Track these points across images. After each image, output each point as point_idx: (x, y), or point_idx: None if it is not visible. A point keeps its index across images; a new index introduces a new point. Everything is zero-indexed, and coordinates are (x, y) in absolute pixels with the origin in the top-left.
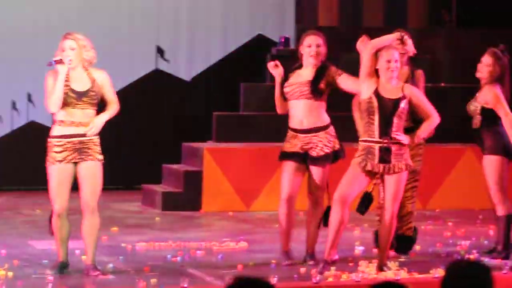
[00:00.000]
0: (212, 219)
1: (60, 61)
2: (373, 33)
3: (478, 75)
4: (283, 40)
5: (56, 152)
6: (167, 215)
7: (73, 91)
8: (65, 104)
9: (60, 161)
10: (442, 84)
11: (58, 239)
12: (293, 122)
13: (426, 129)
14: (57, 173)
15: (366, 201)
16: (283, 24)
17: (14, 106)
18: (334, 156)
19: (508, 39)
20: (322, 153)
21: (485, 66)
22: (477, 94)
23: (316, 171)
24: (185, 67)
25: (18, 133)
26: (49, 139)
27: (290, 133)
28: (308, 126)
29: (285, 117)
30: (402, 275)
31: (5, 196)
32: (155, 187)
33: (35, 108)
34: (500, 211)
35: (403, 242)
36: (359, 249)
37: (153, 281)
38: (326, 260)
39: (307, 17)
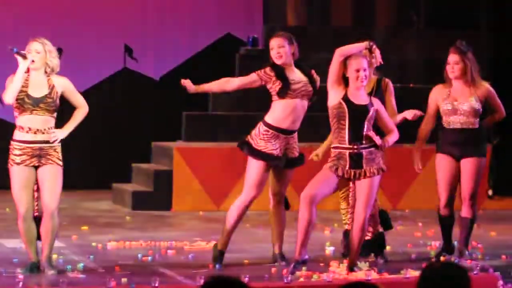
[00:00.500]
0: (183, 218)
1: (23, 55)
2: (341, 33)
3: (451, 75)
4: (251, 40)
5: (15, 155)
6: (137, 214)
7: (29, 96)
8: (23, 110)
9: (19, 163)
10: (411, 85)
11: (25, 241)
12: (285, 122)
13: (391, 141)
14: (17, 174)
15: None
16: (252, 23)
17: None
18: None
19: (475, 39)
20: (298, 154)
21: (454, 65)
22: (448, 92)
23: (290, 172)
24: (154, 66)
25: None
26: (11, 142)
27: (271, 132)
28: (296, 127)
29: (255, 117)
30: (373, 275)
31: None
32: (125, 186)
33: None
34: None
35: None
36: (329, 250)
37: (124, 280)
38: (297, 260)
39: (276, 17)
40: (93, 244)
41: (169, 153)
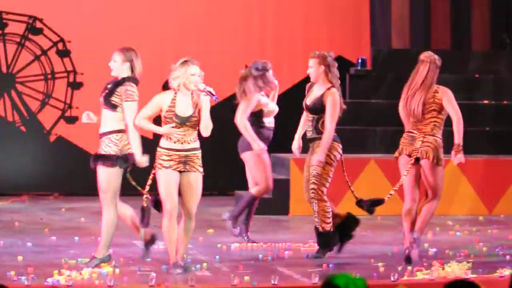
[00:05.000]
0: (299, 222)
1: (212, 95)
2: (441, 55)
3: None
4: (360, 61)
5: (163, 160)
6: (258, 219)
7: (177, 116)
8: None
9: (167, 167)
10: (505, 102)
11: (168, 240)
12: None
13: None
14: (164, 177)
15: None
16: (361, 46)
17: None
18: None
19: None
20: None
21: None
22: None
23: None
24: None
25: None
26: (158, 148)
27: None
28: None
29: (365, 131)
30: (470, 274)
31: None
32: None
33: None
34: None
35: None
36: (432, 250)
37: (246, 278)
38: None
39: (382, 40)
40: (218, 245)
41: (286, 164)
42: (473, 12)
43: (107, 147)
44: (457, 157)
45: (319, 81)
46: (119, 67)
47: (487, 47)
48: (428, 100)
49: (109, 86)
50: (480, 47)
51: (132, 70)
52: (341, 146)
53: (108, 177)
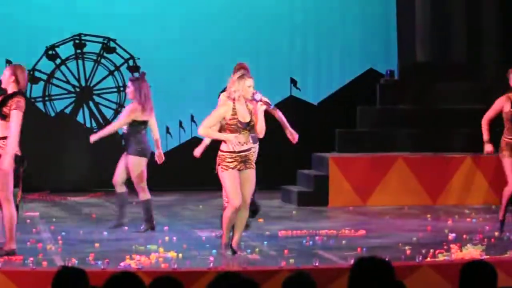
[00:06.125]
0: (337, 212)
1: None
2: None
3: None
4: (388, 72)
5: (228, 162)
6: (301, 209)
7: (241, 122)
8: (232, 131)
9: (232, 168)
10: None
11: (226, 228)
12: None
13: None
14: (231, 177)
15: None
16: (389, 59)
17: (181, 125)
18: None
19: None
20: None
21: None
22: None
23: None
24: (313, 94)
25: (183, 146)
26: (221, 153)
27: None
28: None
29: (391, 132)
30: (484, 256)
31: (175, 195)
32: (292, 187)
33: (197, 127)
34: None
35: None
36: (451, 235)
37: (291, 261)
38: None
39: (407, 53)
40: (267, 233)
41: (325, 162)
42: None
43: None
44: None
45: None
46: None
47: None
48: None
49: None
50: (493, 58)
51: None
52: None
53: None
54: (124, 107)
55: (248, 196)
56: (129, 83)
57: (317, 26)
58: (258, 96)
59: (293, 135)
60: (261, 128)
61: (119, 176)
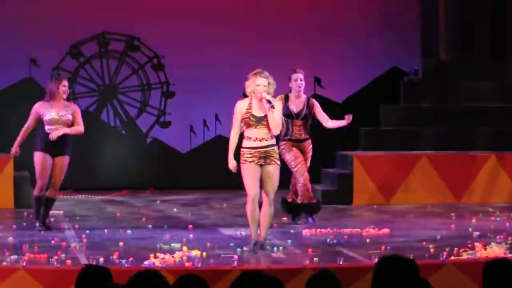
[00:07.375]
0: (361, 210)
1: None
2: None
3: None
4: (413, 71)
5: (247, 156)
6: (325, 208)
7: (253, 116)
8: (246, 124)
9: (250, 162)
10: None
11: (251, 221)
12: None
13: None
14: (248, 169)
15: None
16: (412, 57)
17: (205, 123)
18: None
19: None
20: None
21: None
22: None
23: None
24: (337, 93)
25: (208, 144)
26: (241, 149)
27: None
28: None
29: (416, 131)
30: (508, 254)
31: (199, 193)
32: (316, 186)
33: (221, 125)
34: None
35: None
36: (475, 233)
37: (315, 259)
38: None
39: (431, 51)
40: (292, 231)
41: (350, 160)
42: None
43: None
44: None
45: None
46: None
47: None
48: None
49: None
50: None
51: None
52: None
53: None
54: (149, 105)
55: (271, 192)
56: None
57: (341, 25)
58: (262, 95)
59: (348, 119)
60: (272, 125)
61: None
